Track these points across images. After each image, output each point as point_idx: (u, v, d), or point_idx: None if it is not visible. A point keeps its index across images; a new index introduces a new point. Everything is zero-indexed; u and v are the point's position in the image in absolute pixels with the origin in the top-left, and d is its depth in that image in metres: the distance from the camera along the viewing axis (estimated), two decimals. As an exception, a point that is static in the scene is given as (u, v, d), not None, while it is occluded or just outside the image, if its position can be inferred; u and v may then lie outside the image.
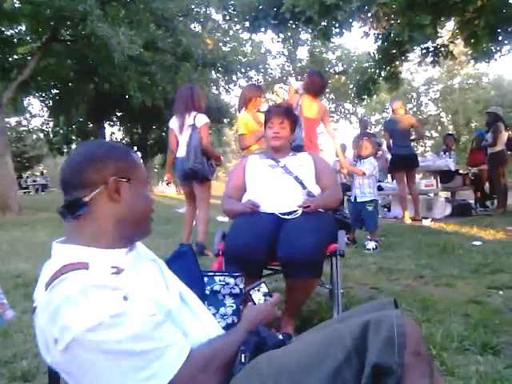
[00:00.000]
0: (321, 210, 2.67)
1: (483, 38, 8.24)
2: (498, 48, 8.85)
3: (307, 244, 2.34)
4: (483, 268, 3.96)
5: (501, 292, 3.28)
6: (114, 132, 25.52)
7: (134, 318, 0.98)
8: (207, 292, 2.11)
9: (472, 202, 8.86)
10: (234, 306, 2.20)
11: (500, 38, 8.35)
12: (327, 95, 19.39)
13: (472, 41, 8.58)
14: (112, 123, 22.75)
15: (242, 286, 2.24)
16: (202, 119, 4.85)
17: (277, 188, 2.75)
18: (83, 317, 0.94)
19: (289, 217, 2.61)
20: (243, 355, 1.10)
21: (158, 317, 1.04)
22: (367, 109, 25.56)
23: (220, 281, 2.17)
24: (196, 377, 1.02)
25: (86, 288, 0.97)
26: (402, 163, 6.99)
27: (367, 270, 4.05)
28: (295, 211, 2.62)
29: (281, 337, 1.35)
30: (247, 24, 7.93)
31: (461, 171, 8.97)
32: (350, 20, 7.03)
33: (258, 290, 1.54)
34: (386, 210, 8.40)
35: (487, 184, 8.91)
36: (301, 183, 2.77)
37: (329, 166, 3.31)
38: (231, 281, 2.23)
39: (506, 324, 2.59)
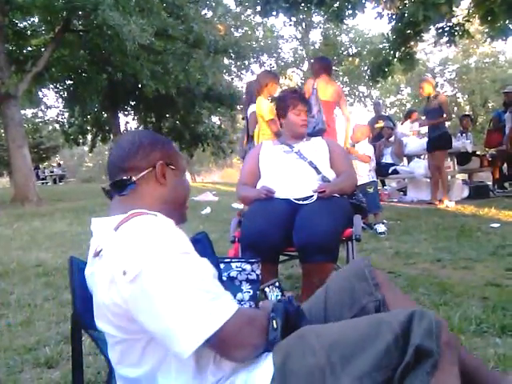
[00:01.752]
0: (336, 195, 2.66)
1: (500, 15, 8.03)
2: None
3: (323, 228, 2.35)
4: (501, 250, 3.92)
5: (519, 274, 3.25)
6: (128, 121, 25.65)
7: (198, 259, 1.09)
8: (224, 278, 2.13)
9: (490, 183, 8.72)
10: (251, 291, 2.23)
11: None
12: (341, 78, 19.16)
13: (489, 18, 8.37)
14: (126, 113, 22.84)
15: (258, 271, 2.26)
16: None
17: (291, 173, 2.75)
18: (155, 249, 1.03)
19: (304, 202, 2.61)
20: (274, 321, 1.16)
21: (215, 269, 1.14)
22: (382, 91, 25.22)
23: (237, 267, 2.19)
24: (243, 328, 1.09)
25: (159, 226, 1.08)
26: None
27: (384, 255, 4.04)
28: (310, 196, 2.62)
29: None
30: (258, 8, 7.84)
31: (478, 152, 8.83)
32: (363, 1, 6.90)
33: (274, 287, 1.55)
34: (401, 193, 8.33)
35: (505, 165, 8.75)
36: (315, 168, 2.76)
37: (343, 150, 3.29)
38: (248, 267, 2.25)
39: (524, 306, 2.57)
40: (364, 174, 5.35)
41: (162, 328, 1.02)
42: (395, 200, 7.99)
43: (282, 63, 18.75)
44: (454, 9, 8.91)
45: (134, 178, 1.22)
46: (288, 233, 2.45)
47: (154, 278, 1.01)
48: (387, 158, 7.81)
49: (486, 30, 9.40)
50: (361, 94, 21.55)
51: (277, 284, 1.58)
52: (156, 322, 1.03)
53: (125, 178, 1.22)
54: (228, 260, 2.23)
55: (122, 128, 21.93)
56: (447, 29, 8.99)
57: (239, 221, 2.75)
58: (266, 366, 1.11)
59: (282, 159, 2.83)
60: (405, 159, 8.26)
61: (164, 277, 1.01)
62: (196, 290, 1.03)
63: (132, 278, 1.01)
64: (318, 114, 4.46)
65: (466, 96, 26.80)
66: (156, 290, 1.01)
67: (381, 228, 5.08)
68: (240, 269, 2.19)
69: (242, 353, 1.10)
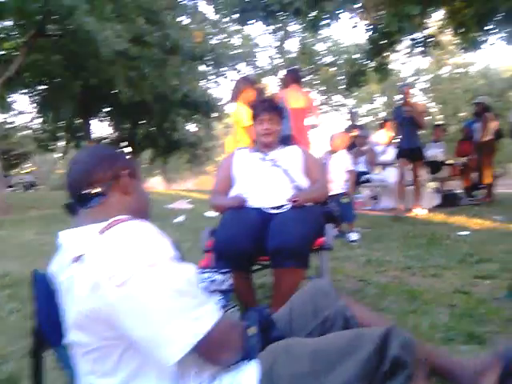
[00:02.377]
0: (309, 204, 2.69)
1: (471, 28, 8.27)
2: (486, 38, 8.89)
3: (295, 234, 2.38)
4: (470, 258, 4.01)
5: (487, 281, 3.33)
6: (102, 127, 25.38)
7: (185, 265, 1.12)
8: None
9: (460, 191, 8.92)
10: (223, 302, 2.22)
11: (487, 27, 8.39)
12: (317, 87, 19.37)
13: (461, 30, 8.60)
14: (101, 119, 22.57)
15: (230, 282, 2.26)
16: None
17: (265, 182, 2.76)
18: (144, 254, 1.05)
19: (277, 211, 2.63)
20: (250, 329, 1.23)
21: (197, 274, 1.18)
22: (357, 100, 25.59)
23: (207, 278, 2.19)
24: (227, 333, 1.13)
25: (146, 232, 1.10)
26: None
27: (356, 263, 4.08)
28: (284, 205, 2.64)
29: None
30: (236, 16, 7.88)
31: (449, 161, 9.02)
32: (339, 11, 7.01)
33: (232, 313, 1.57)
34: (374, 201, 8.44)
35: (475, 174, 8.96)
36: (289, 176, 2.78)
37: (317, 158, 3.33)
38: (219, 277, 2.24)
39: (492, 313, 2.63)
40: (341, 183, 5.41)
41: (149, 334, 1.03)
42: (368, 208, 8.09)
43: (259, 71, 18.85)
44: (428, 20, 9.15)
45: (98, 191, 1.23)
46: (261, 242, 2.46)
47: (143, 284, 1.02)
48: (360, 167, 7.90)
49: (459, 42, 9.65)
50: (336, 103, 21.82)
51: (236, 309, 1.61)
52: (143, 328, 1.04)
53: (92, 190, 1.22)
54: (199, 271, 2.22)
55: (96, 134, 21.64)
56: (421, 40, 9.21)
57: (212, 230, 2.75)
58: (250, 372, 1.14)
59: (256, 167, 2.84)
60: (376, 168, 8.37)
61: (153, 282, 1.03)
62: (183, 296, 1.05)
63: (120, 283, 1.02)
64: (283, 120, 4.54)
65: (439, 106, 27.38)
66: (144, 295, 1.02)
67: (353, 236, 5.14)
68: (211, 279, 2.19)
69: (227, 357, 1.14)
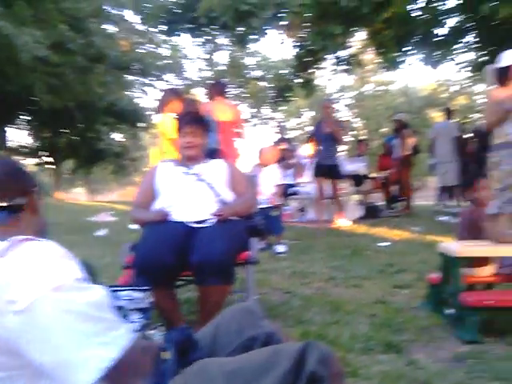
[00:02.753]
0: (233, 218, 2.67)
1: (391, 48, 8.73)
2: (404, 58, 9.43)
3: (219, 250, 2.34)
4: (389, 268, 4.18)
5: (405, 291, 3.48)
6: (21, 136, 24.00)
7: (93, 286, 1.06)
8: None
9: (381, 204, 9.32)
10: (142, 320, 2.13)
11: (406, 48, 8.90)
12: (246, 100, 19.59)
13: (381, 50, 9.06)
14: (20, 127, 21.32)
15: (150, 299, 2.18)
16: None
17: (189, 195, 2.71)
18: (48, 277, 0.99)
19: (201, 225, 2.58)
20: (166, 352, 1.17)
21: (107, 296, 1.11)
22: (285, 114, 26.17)
23: (126, 296, 2.09)
24: (139, 358, 1.08)
25: (50, 252, 1.04)
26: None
27: (282, 275, 4.11)
28: (208, 219, 2.60)
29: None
30: (163, 27, 7.82)
31: (371, 175, 9.42)
32: (266, 27, 7.16)
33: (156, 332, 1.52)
34: (301, 213, 8.60)
35: (395, 187, 9.42)
36: (214, 190, 2.75)
37: (242, 172, 3.32)
38: (138, 295, 2.15)
39: (409, 322, 2.74)
40: (271, 197, 5.44)
41: (56, 360, 0.97)
42: (295, 220, 8.23)
43: (188, 82, 18.74)
44: (351, 40, 9.57)
45: (10, 205, 1.18)
46: (184, 256, 2.40)
47: (47, 308, 0.96)
48: (288, 180, 8.04)
49: (380, 61, 10.17)
50: (265, 116, 22.18)
51: (161, 328, 1.55)
52: (50, 354, 0.97)
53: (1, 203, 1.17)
54: (117, 288, 2.11)
55: (14, 143, 20.40)
56: (344, 58, 9.60)
57: (133, 245, 2.65)
58: None
59: (179, 181, 2.78)
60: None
61: (57, 307, 0.97)
62: (90, 320, 1.00)
63: (23, 308, 0.95)
64: (210, 134, 4.52)
65: (363, 121, 28.64)
66: (48, 321, 0.96)
67: (280, 248, 5.19)
68: (129, 297, 2.09)
69: (137, 382, 1.07)
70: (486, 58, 7.81)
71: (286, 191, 7.94)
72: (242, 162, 5.56)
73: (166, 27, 7.56)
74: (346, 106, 28.36)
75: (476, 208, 2.99)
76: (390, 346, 2.35)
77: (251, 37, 7.61)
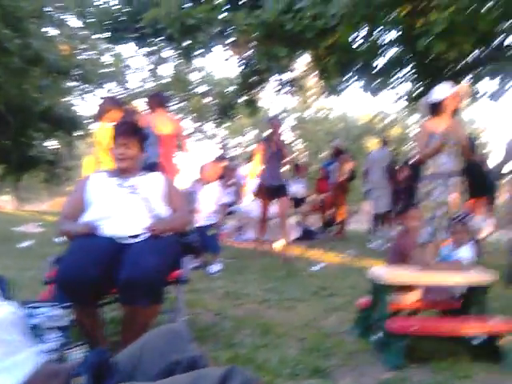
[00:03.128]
0: (167, 234, 2.59)
1: (333, 74, 8.98)
2: (346, 85, 9.73)
3: (148, 267, 2.25)
4: (322, 291, 4.22)
5: (335, 315, 3.51)
6: None
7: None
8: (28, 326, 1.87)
9: (317, 227, 9.49)
10: (59, 340, 1.99)
11: (348, 74, 9.20)
12: (189, 115, 19.45)
13: (324, 76, 9.30)
14: None
15: (71, 317, 2.05)
16: None
17: (121, 209, 2.59)
18: None
19: (132, 240, 2.48)
20: (79, 378, 1.11)
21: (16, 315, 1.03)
22: (229, 131, 26.25)
23: (43, 313, 1.95)
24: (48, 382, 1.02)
25: None
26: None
27: (214, 295, 4.03)
28: (140, 234, 2.50)
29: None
30: (107, 34, 7.63)
31: (310, 197, 9.58)
32: (212, 43, 7.17)
33: (80, 351, 1.43)
34: (239, 232, 8.57)
35: (331, 211, 9.63)
36: (148, 205, 2.66)
37: (178, 187, 3.25)
38: (58, 312, 2.02)
39: (337, 346, 2.76)
40: (209, 215, 5.37)
41: None
42: (233, 239, 8.18)
43: (130, 92, 18.33)
44: (296, 63, 9.78)
45: None
46: (111, 273, 2.29)
47: None
48: (227, 198, 8.00)
49: (322, 86, 10.43)
50: (208, 133, 22.14)
51: (84, 347, 1.47)
52: None
53: None
54: (35, 305, 1.97)
55: None
56: (288, 80, 9.79)
57: (57, 258, 2.49)
58: None
59: (112, 193, 2.66)
60: (243, 199, 8.54)
61: None
62: None
63: None
64: (149, 147, 4.43)
65: (304, 144, 29.28)
66: None
67: (215, 268, 5.11)
68: (49, 315, 1.95)
69: None
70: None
71: (225, 210, 7.88)
72: (181, 177, 5.47)
73: (110, 34, 7.37)
74: (287, 128, 28.93)
75: (405, 235, 3.09)
76: (317, 370, 2.34)
77: (197, 51, 7.58)
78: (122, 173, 2.75)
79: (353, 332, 3.08)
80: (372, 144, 23.04)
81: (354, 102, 43.62)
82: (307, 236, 8.39)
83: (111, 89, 18.05)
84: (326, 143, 25.19)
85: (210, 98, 16.07)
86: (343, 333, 3.08)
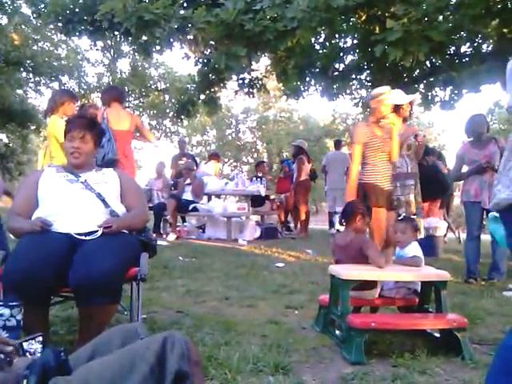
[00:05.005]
0: (124, 231, 2.50)
1: (293, 77, 9.03)
2: (306, 87, 9.80)
3: (104, 267, 2.17)
4: (283, 289, 4.21)
5: (296, 311, 3.50)
6: None
7: None
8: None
9: (279, 225, 9.52)
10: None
11: (307, 78, 9.27)
12: (148, 111, 19.07)
13: (283, 78, 9.34)
14: None
15: (19, 317, 1.93)
16: None
17: (74, 205, 2.49)
18: None
19: (86, 237, 2.38)
20: (25, 381, 1.08)
21: None
22: (189, 129, 25.99)
23: (-10, 312, 1.84)
24: None
25: None
26: None
27: (175, 293, 3.95)
28: (95, 231, 2.41)
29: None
30: (60, 25, 7.34)
31: (272, 197, 9.59)
32: (170, 39, 7.03)
33: (35, 342, 1.35)
34: (200, 231, 8.49)
35: (292, 210, 9.69)
36: (103, 201, 2.56)
37: (136, 183, 3.16)
38: (6, 311, 1.91)
39: (298, 343, 2.74)
40: None
41: None
42: (194, 237, 8.09)
43: (85, 87, 17.75)
44: (257, 63, 9.76)
45: None
46: (64, 271, 2.20)
47: None
48: (188, 195, 7.90)
49: (282, 88, 10.47)
50: (167, 130, 21.78)
51: (40, 339, 1.37)
52: None
53: None
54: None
55: None
56: (248, 81, 9.75)
57: (4, 256, 2.36)
58: None
59: (64, 189, 2.55)
60: (204, 197, 8.47)
61: None
62: None
63: None
64: (107, 143, 4.30)
65: (265, 144, 29.38)
66: None
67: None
68: (-4, 314, 1.84)
69: None
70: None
71: (186, 208, 7.79)
72: (139, 174, 5.35)
73: (62, 26, 7.09)
74: (247, 127, 28.96)
75: (356, 234, 3.10)
76: (279, 367, 2.31)
77: (155, 47, 7.42)
78: (75, 168, 2.65)
79: (314, 328, 3.07)
80: (331, 146, 23.36)
81: (316, 104, 44.12)
82: (269, 235, 8.40)
83: (67, 82, 17.46)
84: (286, 144, 25.38)
85: (169, 95, 15.76)
86: (305, 329, 3.08)
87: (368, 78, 9.28)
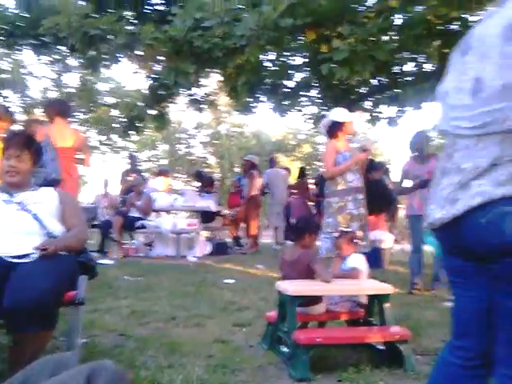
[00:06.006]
0: (62, 253, 2.40)
1: (242, 93, 9.09)
2: (256, 103, 9.90)
3: (37, 291, 2.07)
4: (231, 306, 4.16)
5: (244, 329, 3.46)
6: None
7: None
8: None
9: (229, 241, 9.47)
10: None
11: (257, 95, 9.38)
12: (95, 126, 18.60)
13: (233, 94, 9.39)
14: None
15: None
16: None
17: (9, 227, 2.39)
18: None
19: (21, 260, 2.27)
20: None
21: None
22: (139, 144, 25.56)
23: None
24: None
25: None
26: None
27: (119, 315, 3.81)
28: (30, 254, 2.30)
29: None
30: (2, 38, 7.07)
31: (223, 212, 9.54)
32: (118, 54, 6.92)
33: None
34: (148, 248, 8.30)
35: (243, 225, 9.67)
36: (39, 222, 2.45)
37: (75, 202, 3.06)
38: None
39: (245, 362, 2.71)
40: None
41: None
42: (141, 255, 7.89)
43: (30, 101, 17.09)
44: (206, 80, 9.77)
45: None
46: (-2, 296, 2.07)
47: None
48: (135, 212, 7.73)
49: (233, 104, 10.52)
50: (115, 145, 21.28)
51: None
52: None
53: None
54: None
55: None
56: (198, 97, 9.75)
57: None
58: None
59: (-1, 209, 2.43)
60: (152, 214, 8.31)
61: None
62: None
63: None
64: (51, 163, 4.14)
65: (217, 159, 29.29)
66: None
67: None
68: None
69: None
70: (327, 112, 8.62)
71: (133, 224, 7.62)
72: (84, 189, 5.19)
73: (5, 39, 6.83)
74: (201, 143, 28.85)
75: (304, 250, 3.12)
76: (223, 388, 2.27)
77: (102, 62, 7.29)
78: (10, 187, 2.53)
79: (262, 346, 3.05)
80: (284, 161, 23.67)
81: (268, 119, 44.57)
82: (219, 250, 8.34)
83: (9, 97, 16.77)
84: (238, 158, 25.45)
85: (118, 110, 15.45)
86: (252, 347, 3.05)
87: (318, 96, 9.50)
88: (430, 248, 5.58)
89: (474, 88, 1.31)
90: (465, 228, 1.31)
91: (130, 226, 7.59)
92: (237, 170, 25.90)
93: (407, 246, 6.23)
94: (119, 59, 7.13)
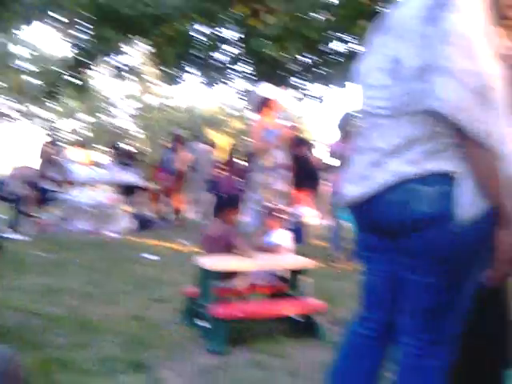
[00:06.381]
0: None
1: (170, 64, 8.85)
2: (183, 75, 9.67)
3: None
4: (151, 282, 4.05)
5: (163, 305, 3.38)
6: None
7: None
8: None
9: (154, 216, 9.23)
10: None
11: (186, 67, 9.17)
12: (7, 93, 17.28)
13: (161, 64, 9.11)
14: None
15: None
16: None
17: None
18: None
19: None
20: None
21: None
22: (57, 114, 24.25)
23: None
24: None
25: None
26: None
27: (29, 292, 3.54)
28: None
29: None
30: None
31: (145, 186, 9.25)
32: (32, 16, 6.40)
33: None
34: (65, 222, 7.85)
35: (168, 200, 9.47)
36: None
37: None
38: None
39: (162, 338, 2.65)
40: None
41: None
42: (56, 229, 7.44)
43: None
44: (131, 48, 9.38)
45: None
46: None
47: None
48: (48, 184, 7.25)
49: (161, 74, 10.23)
50: (31, 113, 19.90)
51: None
52: None
53: None
54: None
55: None
56: (122, 65, 9.35)
57: None
58: None
59: None
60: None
61: None
62: None
63: None
64: None
65: (145, 132, 28.36)
66: None
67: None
68: None
69: None
70: (256, 88, 8.64)
71: (45, 196, 7.16)
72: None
73: None
74: (129, 115, 27.85)
75: (227, 226, 3.09)
76: (137, 365, 2.21)
77: (13, 23, 6.69)
78: None
79: (180, 321, 2.99)
80: (213, 136, 23.40)
81: (202, 95, 43.86)
82: (143, 225, 8.10)
83: None
84: (167, 132, 24.83)
85: (34, 76, 14.36)
86: (170, 323, 2.98)
87: (251, 71, 9.46)
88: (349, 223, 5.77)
89: (392, 68, 1.30)
90: (377, 205, 1.32)
91: (43, 198, 7.14)
92: (164, 143, 25.36)
93: (331, 222, 6.38)
94: (31, 21, 6.58)
